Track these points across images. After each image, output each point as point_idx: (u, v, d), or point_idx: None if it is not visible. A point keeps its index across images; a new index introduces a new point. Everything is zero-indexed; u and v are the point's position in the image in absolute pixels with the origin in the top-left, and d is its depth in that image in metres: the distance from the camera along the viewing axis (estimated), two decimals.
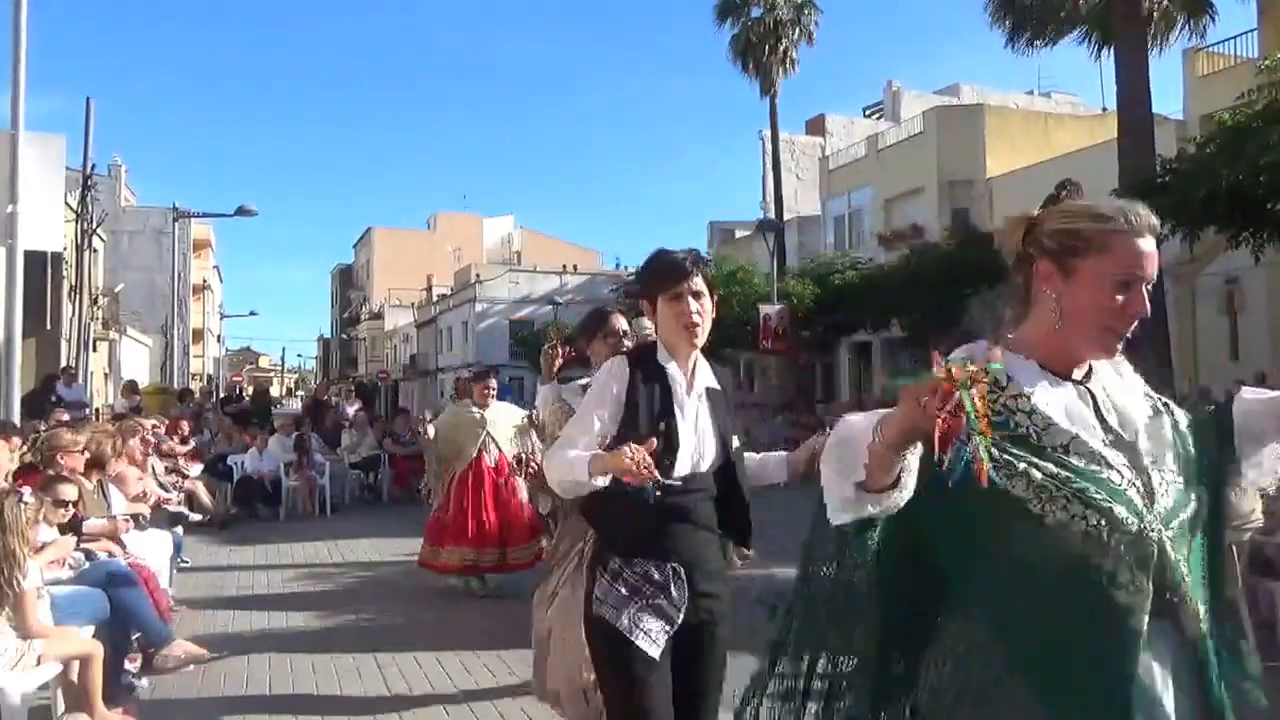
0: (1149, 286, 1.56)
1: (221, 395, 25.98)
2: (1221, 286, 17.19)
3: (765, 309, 21.49)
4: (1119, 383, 1.63)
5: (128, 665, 5.08)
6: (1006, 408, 1.51)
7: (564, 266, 45.56)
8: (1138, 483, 1.50)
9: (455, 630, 6.20)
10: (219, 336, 55.06)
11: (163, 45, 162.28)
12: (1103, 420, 1.56)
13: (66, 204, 12.37)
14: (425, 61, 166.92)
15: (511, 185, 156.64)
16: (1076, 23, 17.80)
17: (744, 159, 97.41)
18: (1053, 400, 1.54)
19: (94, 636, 4.48)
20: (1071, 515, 1.45)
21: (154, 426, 10.20)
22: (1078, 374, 1.60)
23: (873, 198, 26.60)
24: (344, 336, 70.55)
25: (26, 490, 4.37)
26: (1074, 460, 1.49)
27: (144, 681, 5.09)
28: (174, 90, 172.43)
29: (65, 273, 18.46)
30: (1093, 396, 1.58)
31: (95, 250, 22.29)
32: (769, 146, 29.02)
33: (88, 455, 5.96)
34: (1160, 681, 1.49)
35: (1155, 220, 1.57)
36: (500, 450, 7.12)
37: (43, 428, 7.58)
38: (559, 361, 4.26)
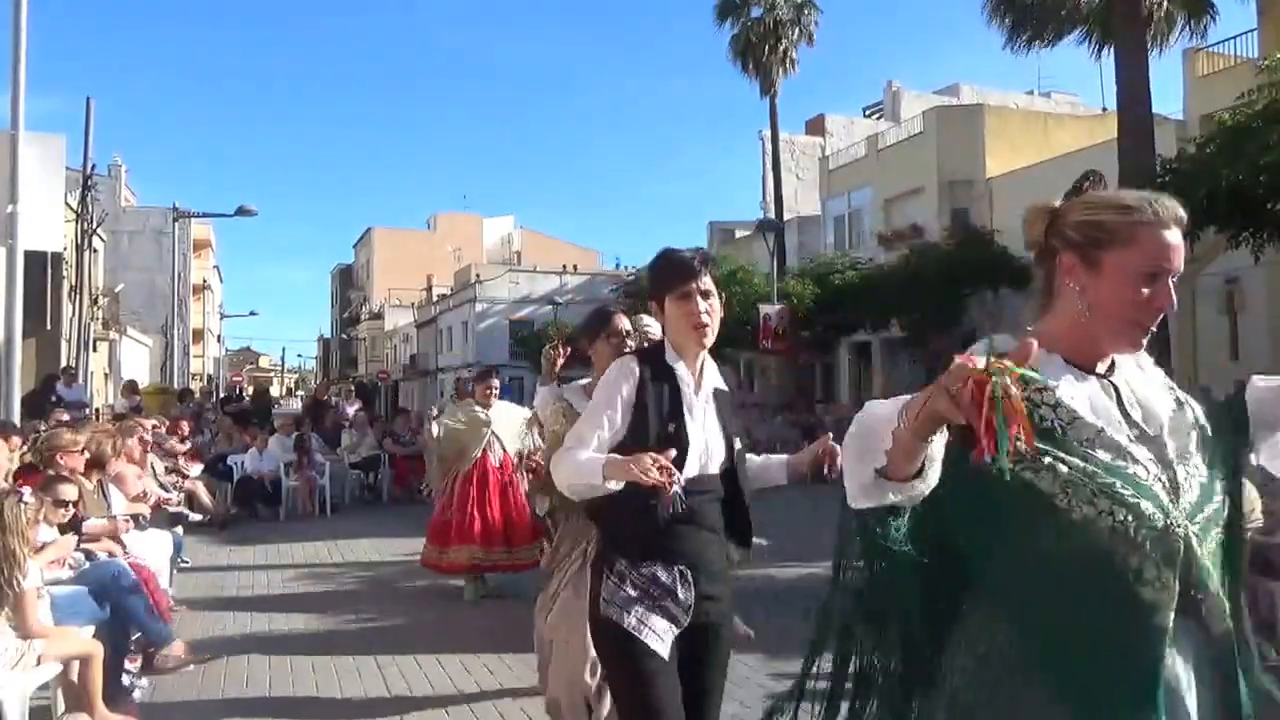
0: (1175, 279, 1.53)
1: (221, 395, 26.04)
2: (1221, 286, 17.18)
3: (765, 309, 21.50)
4: (1141, 376, 1.61)
5: (128, 665, 5.06)
6: (1031, 401, 1.47)
7: (564, 266, 45.58)
8: (1163, 477, 1.48)
9: (455, 631, 6.19)
10: (219, 336, 55.06)
11: (163, 45, 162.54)
12: (1127, 415, 1.54)
13: (66, 204, 12.36)
14: (425, 61, 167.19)
15: (511, 185, 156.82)
16: (1076, 22, 17.79)
17: (744, 159, 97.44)
18: (1078, 394, 1.51)
19: (94, 637, 4.46)
20: (1099, 510, 1.43)
21: (154, 426, 10.18)
22: (1101, 367, 1.58)
23: (872, 198, 26.58)
24: (344, 336, 70.54)
25: (26, 490, 4.36)
26: (1100, 455, 1.46)
27: (144, 682, 5.08)
28: (174, 90, 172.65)
29: (65, 273, 18.46)
30: (1117, 390, 1.56)
31: (95, 250, 22.28)
32: (769, 146, 29.06)
33: (88, 455, 5.94)
34: (1185, 680, 1.47)
35: (1181, 211, 1.54)
36: (504, 450, 7.12)
37: (43, 428, 7.57)
38: (560, 361, 4.26)
